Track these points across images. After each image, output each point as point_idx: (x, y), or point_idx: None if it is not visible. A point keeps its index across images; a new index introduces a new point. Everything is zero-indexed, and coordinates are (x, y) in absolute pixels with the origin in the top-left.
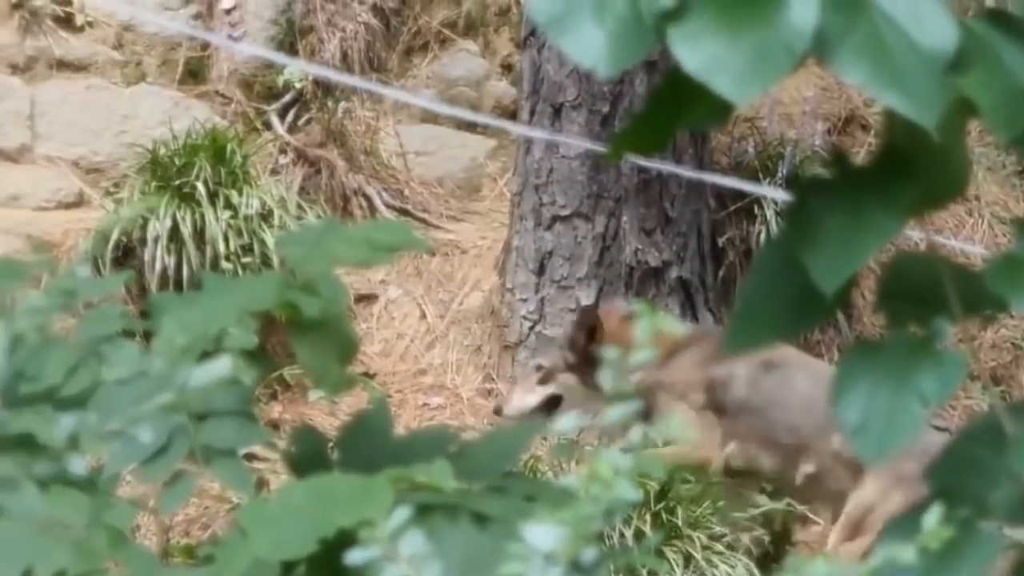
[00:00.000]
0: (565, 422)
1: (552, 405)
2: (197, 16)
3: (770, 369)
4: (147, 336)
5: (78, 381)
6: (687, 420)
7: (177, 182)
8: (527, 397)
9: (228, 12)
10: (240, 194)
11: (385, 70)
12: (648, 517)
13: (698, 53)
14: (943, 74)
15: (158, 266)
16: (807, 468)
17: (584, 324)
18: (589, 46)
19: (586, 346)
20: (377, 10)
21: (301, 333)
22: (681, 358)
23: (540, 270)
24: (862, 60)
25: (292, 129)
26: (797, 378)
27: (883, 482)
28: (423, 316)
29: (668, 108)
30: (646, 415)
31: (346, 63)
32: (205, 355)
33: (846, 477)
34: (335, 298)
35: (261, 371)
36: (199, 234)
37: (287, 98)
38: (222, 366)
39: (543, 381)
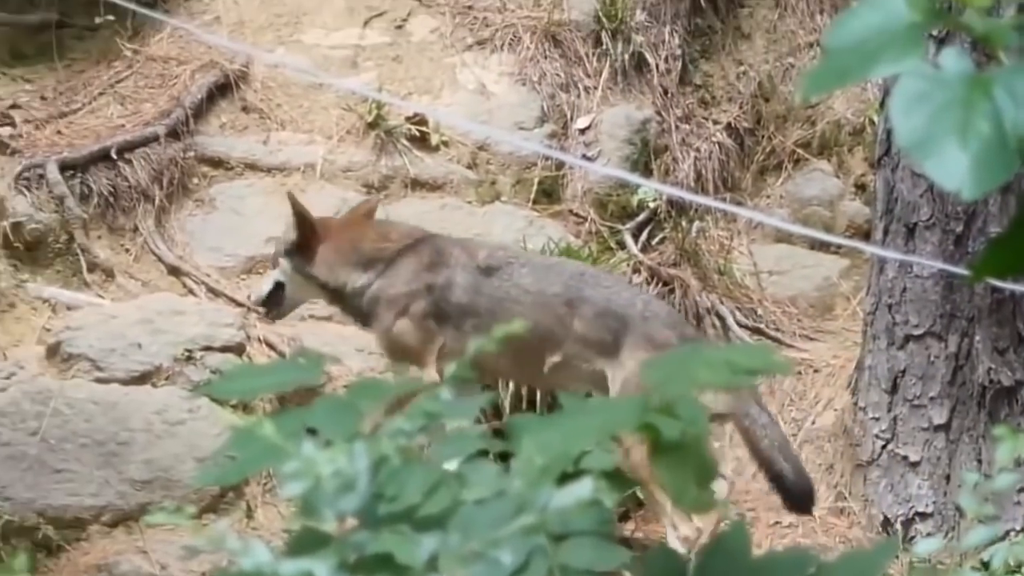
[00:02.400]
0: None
1: (278, 290)
2: (552, 136)
3: (490, 273)
4: (503, 457)
5: (437, 501)
6: (404, 330)
7: None
8: (262, 283)
9: (583, 132)
10: None
11: (739, 189)
12: None
13: None
14: None
15: (511, 387)
16: (554, 359)
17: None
18: (954, 169)
19: (308, 230)
20: (731, 130)
21: (660, 454)
22: (400, 267)
23: (893, 389)
24: None
25: (646, 248)
26: (521, 275)
27: (642, 353)
28: None
29: None
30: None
31: (700, 182)
32: (564, 476)
33: (593, 355)
34: (695, 420)
35: (620, 492)
36: None
37: (641, 217)
38: (584, 488)
39: (272, 266)
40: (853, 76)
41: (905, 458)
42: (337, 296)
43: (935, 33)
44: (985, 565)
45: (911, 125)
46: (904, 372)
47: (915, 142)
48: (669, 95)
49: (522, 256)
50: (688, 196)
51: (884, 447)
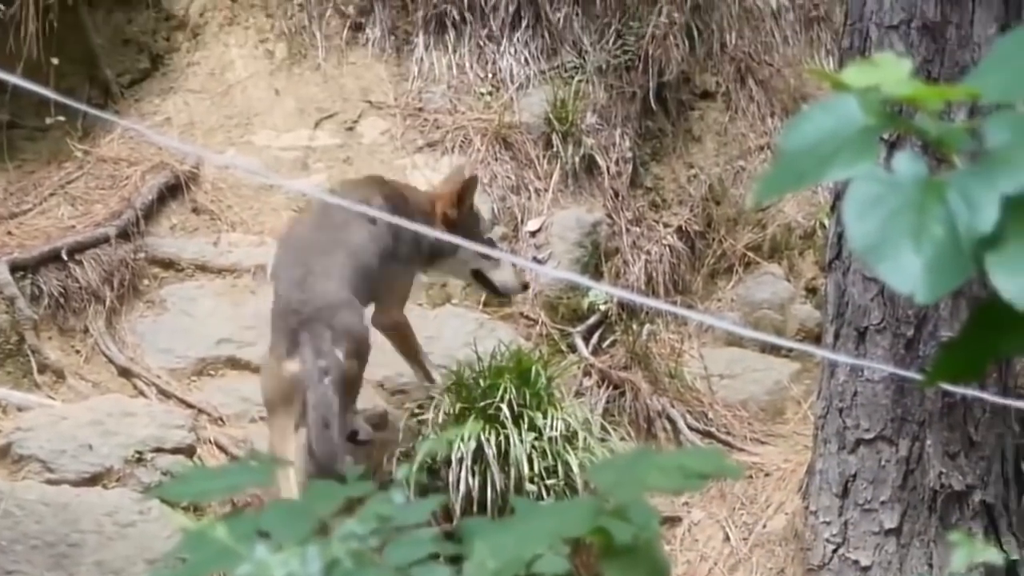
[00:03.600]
0: None
1: None
2: (502, 238)
3: None
4: (455, 560)
5: None
6: None
7: (482, 404)
8: (508, 271)
9: (533, 234)
10: (544, 416)
11: (689, 292)
12: None
13: (1016, 280)
14: None
15: (462, 488)
16: None
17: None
18: (907, 273)
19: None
20: (682, 233)
21: (612, 558)
22: None
23: (844, 493)
24: None
25: (596, 351)
26: None
27: None
28: (726, 538)
29: (984, 335)
30: None
31: (651, 285)
32: None
33: None
34: (647, 524)
35: None
36: (503, 456)
37: (592, 320)
38: None
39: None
40: (807, 180)
41: (856, 562)
42: None
43: (887, 136)
44: None
45: (864, 229)
46: (855, 476)
47: (868, 246)
48: (620, 198)
49: None
50: (639, 299)
51: (835, 551)
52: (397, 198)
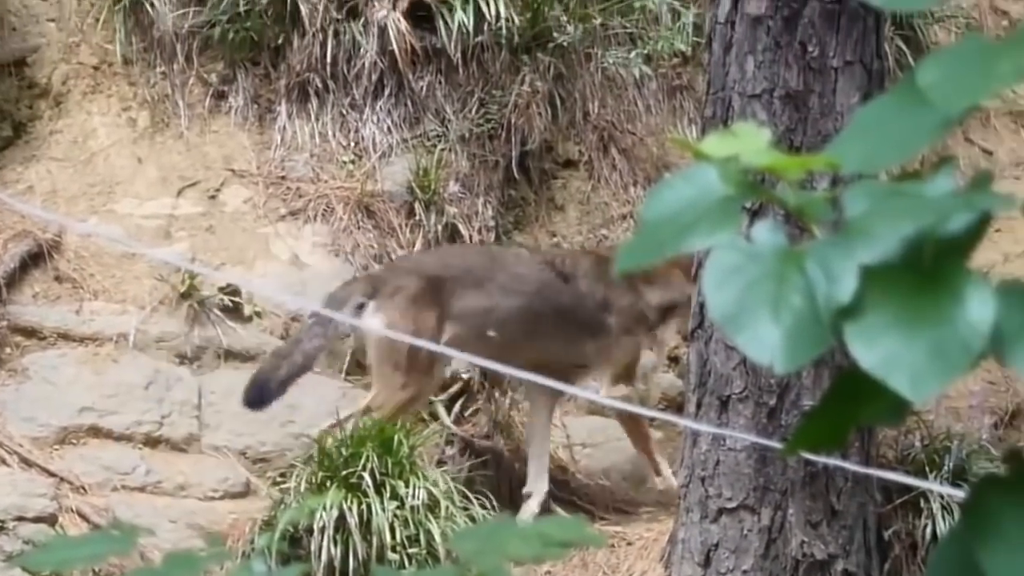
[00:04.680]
0: None
1: None
2: (364, 307)
3: None
4: None
5: None
6: None
7: (344, 472)
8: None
9: None
10: (407, 485)
11: None
12: None
13: (875, 350)
14: None
15: (324, 557)
16: None
17: None
18: (766, 343)
19: None
20: None
21: None
22: None
23: (706, 562)
24: None
25: (459, 420)
26: None
27: None
28: None
29: (845, 405)
30: None
31: None
32: None
33: None
34: None
35: None
36: (365, 524)
37: (454, 389)
38: None
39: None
40: (668, 249)
41: None
42: None
43: (749, 206)
44: None
45: (724, 299)
46: (717, 545)
47: (728, 316)
48: None
49: None
50: (501, 368)
51: None
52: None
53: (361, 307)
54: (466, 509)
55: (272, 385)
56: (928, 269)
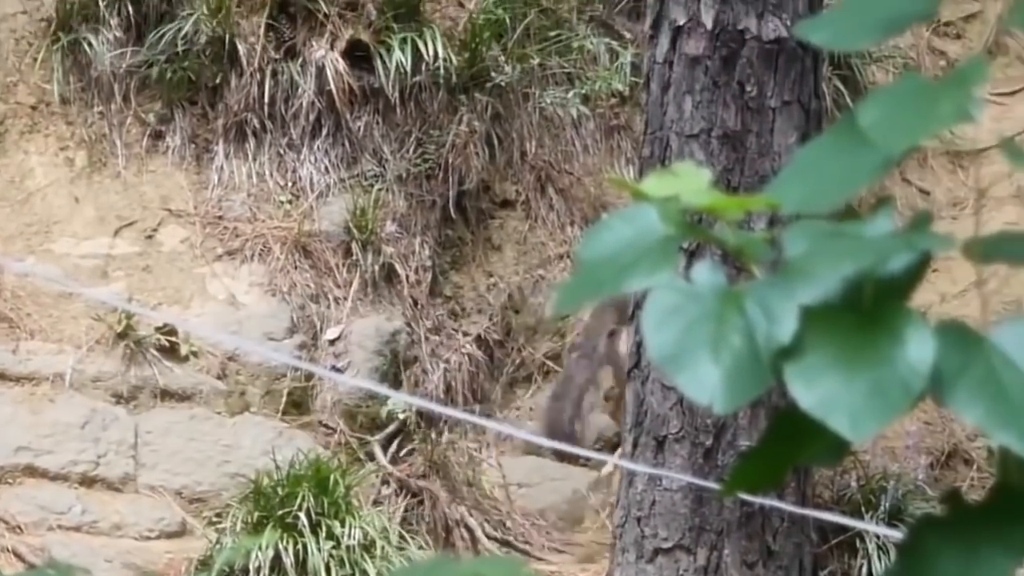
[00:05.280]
0: None
1: None
2: (301, 346)
3: None
4: None
5: None
6: None
7: (280, 512)
8: None
9: (332, 342)
10: (343, 524)
11: (488, 401)
12: None
13: (814, 390)
14: None
15: None
16: None
17: None
18: (705, 383)
19: None
20: (481, 342)
21: None
22: None
23: None
24: (978, 399)
25: (395, 460)
26: None
27: None
28: None
29: (783, 445)
30: None
31: (449, 395)
32: None
33: None
34: None
35: None
36: (301, 564)
37: (390, 428)
38: None
39: None
40: (606, 290)
41: None
42: None
43: (687, 246)
44: None
45: (663, 339)
46: None
47: (667, 356)
48: (419, 306)
49: None
50: (437, 408)
51: None
52: None
53: (613, 334)
54: (402, 549)
55: (567, 429)
56: (868, 309)
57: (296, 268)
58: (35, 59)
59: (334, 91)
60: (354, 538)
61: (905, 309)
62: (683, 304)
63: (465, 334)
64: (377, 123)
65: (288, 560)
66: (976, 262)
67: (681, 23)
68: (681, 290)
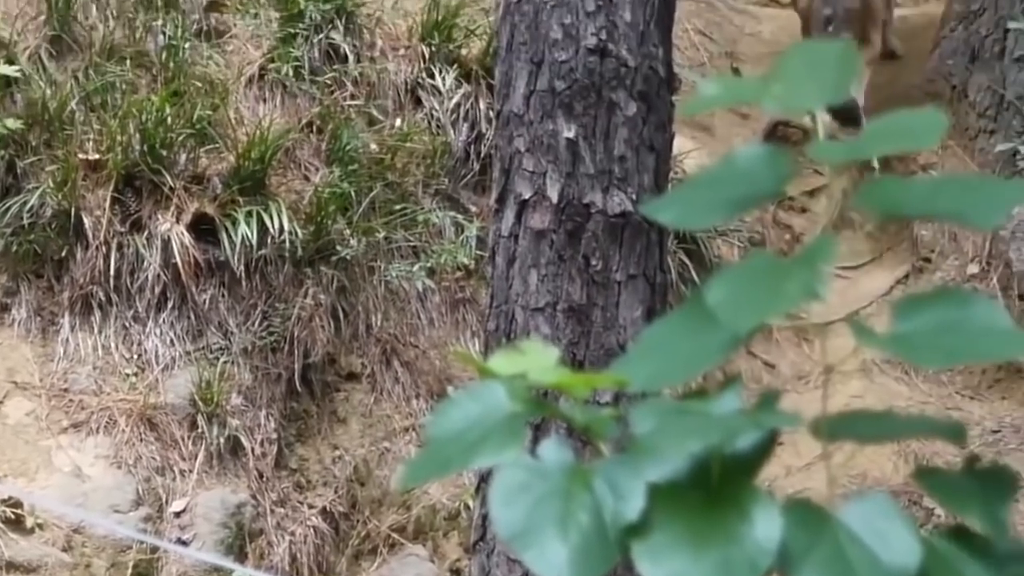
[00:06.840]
0: None
1: None
2: (147, 519)
3: None
4: None
5: None
6: None
7: None
8: None
9: (178, 515)
10: None
11: (334, 573)
12: None
13: (662, 568)
14: None
15: None
16: None
17: None
18: (553, 560)
19: None
20: (326, 514)
21: None
22: None
23: None
24: None
25: None
26: None
27: None
28: None
29: None
30: None
31: (295, 566)
32: None
33: None
34: None
35: None
36: None
37: None
38: None
39: None
40: (454, 466)
41: None
42: None
43: (532, 419)
44: None
45: (511, 516)
46: None
47: (515, 533)
48: (264, 479)
49: None
50: None
51: None
52: None
53: None
54: None
55: None
56: (716, 487)
57: (142, 440)
58: None
59: (180, 264)
60: None
61: (752, 487)
62: (531, 481)
63: (311, 506)
64: (223, 296)
65: None
66: (823, 440)
67: (526, 197)
68: (528, 467)
